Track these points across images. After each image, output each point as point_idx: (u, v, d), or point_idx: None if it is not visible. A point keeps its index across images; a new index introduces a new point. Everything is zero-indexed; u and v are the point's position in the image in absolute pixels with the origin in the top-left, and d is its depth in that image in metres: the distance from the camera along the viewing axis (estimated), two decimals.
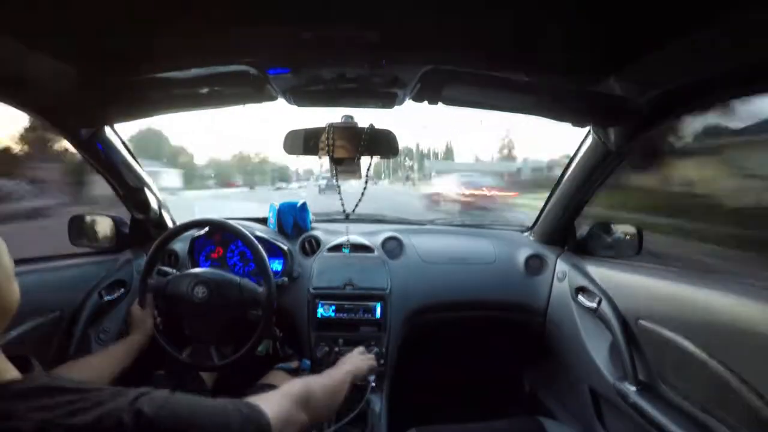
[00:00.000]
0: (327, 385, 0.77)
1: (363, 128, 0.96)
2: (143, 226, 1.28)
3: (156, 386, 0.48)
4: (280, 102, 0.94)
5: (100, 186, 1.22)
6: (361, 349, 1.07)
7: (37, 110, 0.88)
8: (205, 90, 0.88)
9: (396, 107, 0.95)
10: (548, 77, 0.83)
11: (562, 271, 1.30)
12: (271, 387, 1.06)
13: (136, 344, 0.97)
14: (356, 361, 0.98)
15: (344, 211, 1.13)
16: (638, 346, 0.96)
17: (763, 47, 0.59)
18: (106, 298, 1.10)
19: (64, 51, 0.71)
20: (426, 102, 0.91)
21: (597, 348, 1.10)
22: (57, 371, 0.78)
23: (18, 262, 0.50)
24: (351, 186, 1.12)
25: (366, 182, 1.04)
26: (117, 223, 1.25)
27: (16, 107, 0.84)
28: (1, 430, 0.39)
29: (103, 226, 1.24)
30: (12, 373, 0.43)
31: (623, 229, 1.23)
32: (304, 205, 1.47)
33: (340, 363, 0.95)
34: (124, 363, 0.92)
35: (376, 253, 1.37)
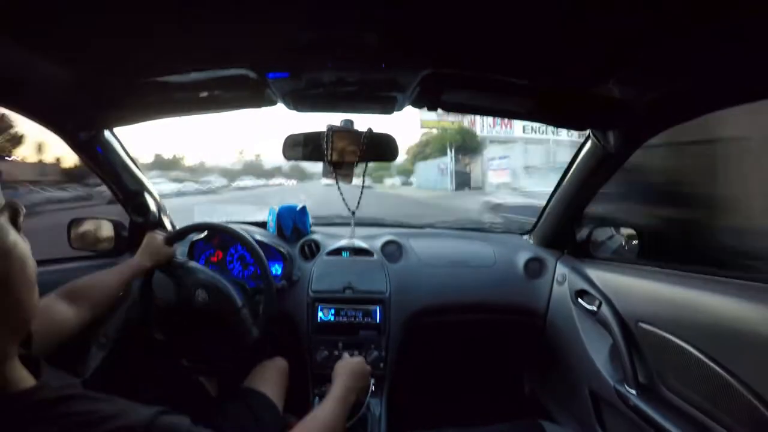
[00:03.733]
0: (337, 415, 0.76)
1: (362, 132, 0.96)
2: (142, 230, 1.28)
3: (155, 393, 0.48)
4: (278, 112, 0.95)
5: None
6: (356, 359, 0.99)
7: (36, 114, 0.88)
8: (204, 94, 0.89)
9: (395, 113, 0.95)
10: (548, 81, 0.83)
11: (561, 274, 1.30)
12: (258, 394, 1.04)
13: (133, 269, 0.91)
14: (354, 381, 0.90)
15: (349, 208, 1.13)
16: (638, 349, 0.96)
17: (763, 49, 0.59)
18: None
19: (64, 55, 0.71)
20: (425, 107, 0.91)
21: (597, 351, 1.10)
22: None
23: None
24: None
25: (363, 183, 1.05)
26: (116, 226, 1.24)
27: (15, 111, 0.83)
28: None
29: (103, 229, 1.24)
30: (28, 381, 0.42)
31: (623, 232, 1.23)
32: (303, 208, 1.47)
33: (339, 380, 0.88)
34: (118, 290, 0.86)
35: (375, 256, 1.37)
